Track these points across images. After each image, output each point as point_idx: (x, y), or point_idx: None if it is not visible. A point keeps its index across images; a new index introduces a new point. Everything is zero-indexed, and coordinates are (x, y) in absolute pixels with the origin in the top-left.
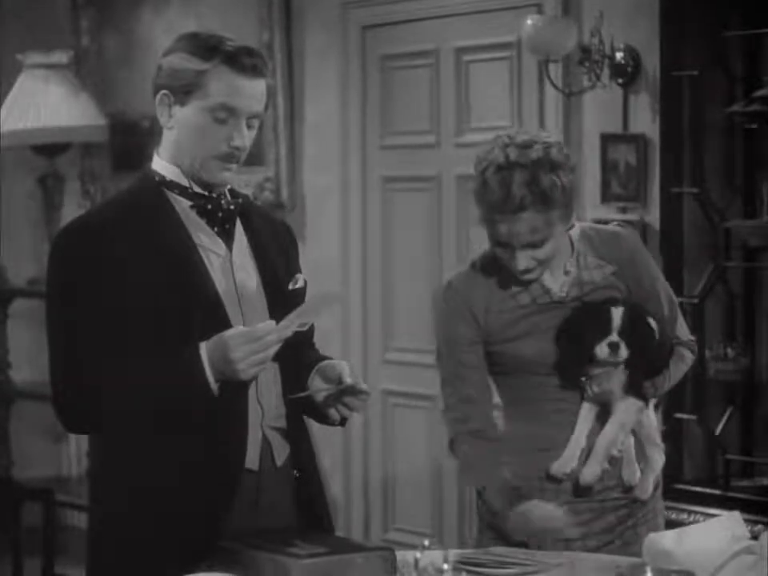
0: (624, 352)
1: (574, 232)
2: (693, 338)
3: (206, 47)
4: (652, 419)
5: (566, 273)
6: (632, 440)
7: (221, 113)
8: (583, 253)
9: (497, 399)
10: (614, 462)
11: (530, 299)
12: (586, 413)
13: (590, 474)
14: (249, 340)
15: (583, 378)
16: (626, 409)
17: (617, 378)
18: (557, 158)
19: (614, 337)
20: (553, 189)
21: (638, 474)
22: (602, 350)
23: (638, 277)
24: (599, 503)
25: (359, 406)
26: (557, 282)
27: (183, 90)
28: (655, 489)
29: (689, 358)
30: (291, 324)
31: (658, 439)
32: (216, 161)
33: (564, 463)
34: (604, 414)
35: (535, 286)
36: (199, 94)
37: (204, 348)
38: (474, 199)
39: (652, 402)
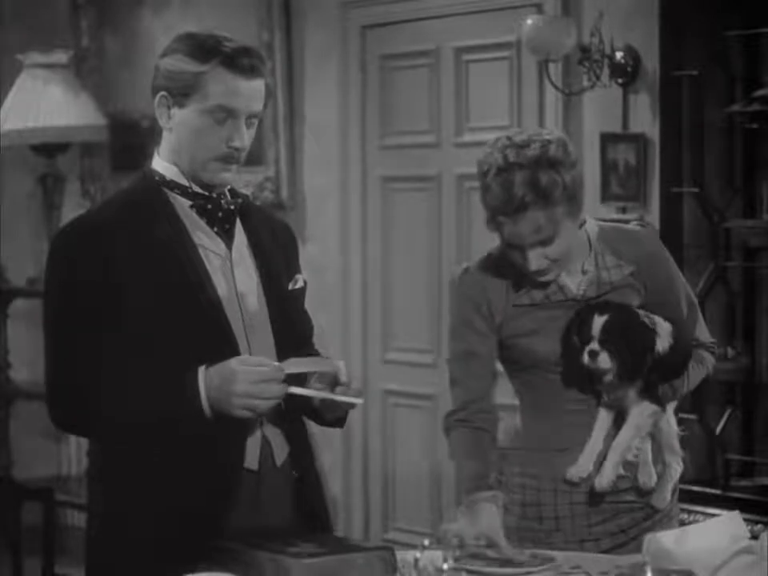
0: (606, 361)
1: (592, 230)
2: (713, 339)
3: (204, 49)
4: (672, 425)
5: (584, 272)
6: (649, 444)
7: (219, 114)
8: (601, 252)
9: (510, 400)
10: (629, 467)
11: (544, 295)
12: (603, 418)
13: (605, 480)
14: (254, 380)
15: (599, 384)
16: (640, 413)
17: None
18: (555, 154)
19: (593, 345)
20: (553, 186)
21: (655, 477)
22: (585, 358)
23: (657, 277)
24: (613, 505)
25: (351, 408)
26: (574, 281)
27: (181, 92)
28: (672, 495)
29: (708, 360)
30: (291, 370)
31: (677, 447)
32: (216, 162)
33: (580, 468)
34: (621, 419)
35: (551, 284)
36: (197, 96)
37: (202, 375)
38: (481, 203)
39: (671, 407)
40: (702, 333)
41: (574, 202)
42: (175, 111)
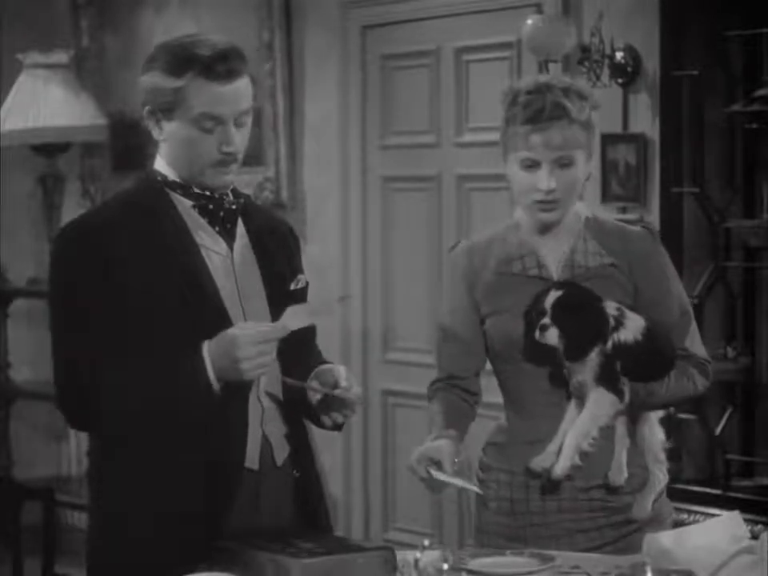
0: (553, 337)
1: (582, 214)
2: (708, 359)
3: (179, 62)
4: (656, 433)
5: (563, 252)
6: (627, 444)
7: (206, 122)
8: (583, 237)
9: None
10: (585, 457)
11: (521, 267)
12: (572, 409)
13: (558, 468)
14: (256, 341)
15: (565, 370)
16: (596, 400)
17: (589, 368)
18: (583, 89)
19: (545, 319)
20: (580, 110)
21: (625, 475)
22: (537, 332)
23: (647, 279)
24: (585, 502)
25: (350, 413)
26: (553, 259)
27: (165, 107)
28: (654, 504)
29: (697, 378)
30: (291, 323)
31: (662, 456)
32: (212, 168)
33: (545, 458)
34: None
35: (530, 258)
36: (181, 109)
37: (206, 347)
38: (503, 127)
39: (656, 416)
40: (695, 346)
41: (591, 141)
42: (164, 124)
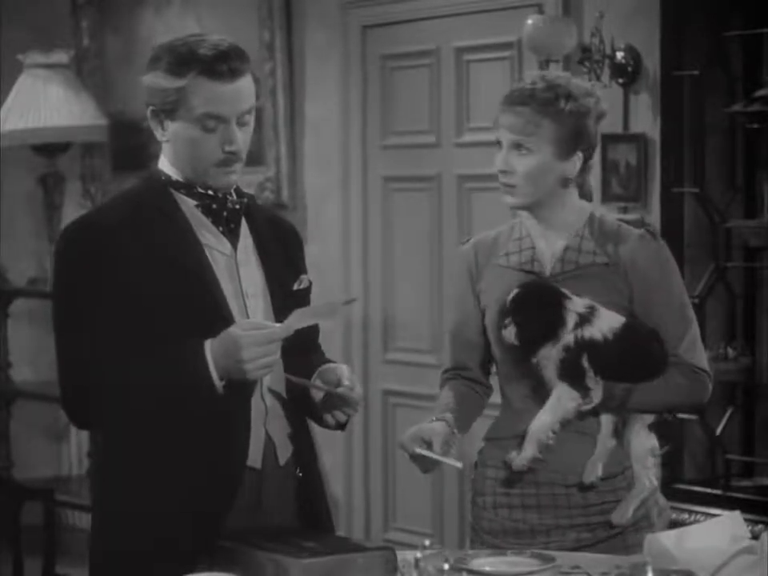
0: (511, 334)
1: (585, 213)
2: (706, 369)
3: (180, 62)
4: (642, 439)
5: (559, 248)
6: (610, 444)
7: (209, 122)
8: (581, 235)
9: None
10: (545, 449)
11: (517, 262)
12: None
13: (518, 459)
14: (261, 342)
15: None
16: (558, 395)
17: (552, 363)
18: (575, 89)
19: (507, 318)
20: (551, 104)
21: (598, 473)
22: (502, 329)
23: (643, 282)
24: (563, 498)
25: (353, 412)
26: (549, 255)
27: (167, 107)
28: (638, 509)
29: (689, 385)
30: (297, 324)
31: (650, 463)
32: (215, 167)
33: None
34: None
35: (527, 252)
36: (184, 109)
37: (209, 346)
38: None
39: (643, 421)
40: (694, 355)
41: (570, 140)
42: (168, 124)
